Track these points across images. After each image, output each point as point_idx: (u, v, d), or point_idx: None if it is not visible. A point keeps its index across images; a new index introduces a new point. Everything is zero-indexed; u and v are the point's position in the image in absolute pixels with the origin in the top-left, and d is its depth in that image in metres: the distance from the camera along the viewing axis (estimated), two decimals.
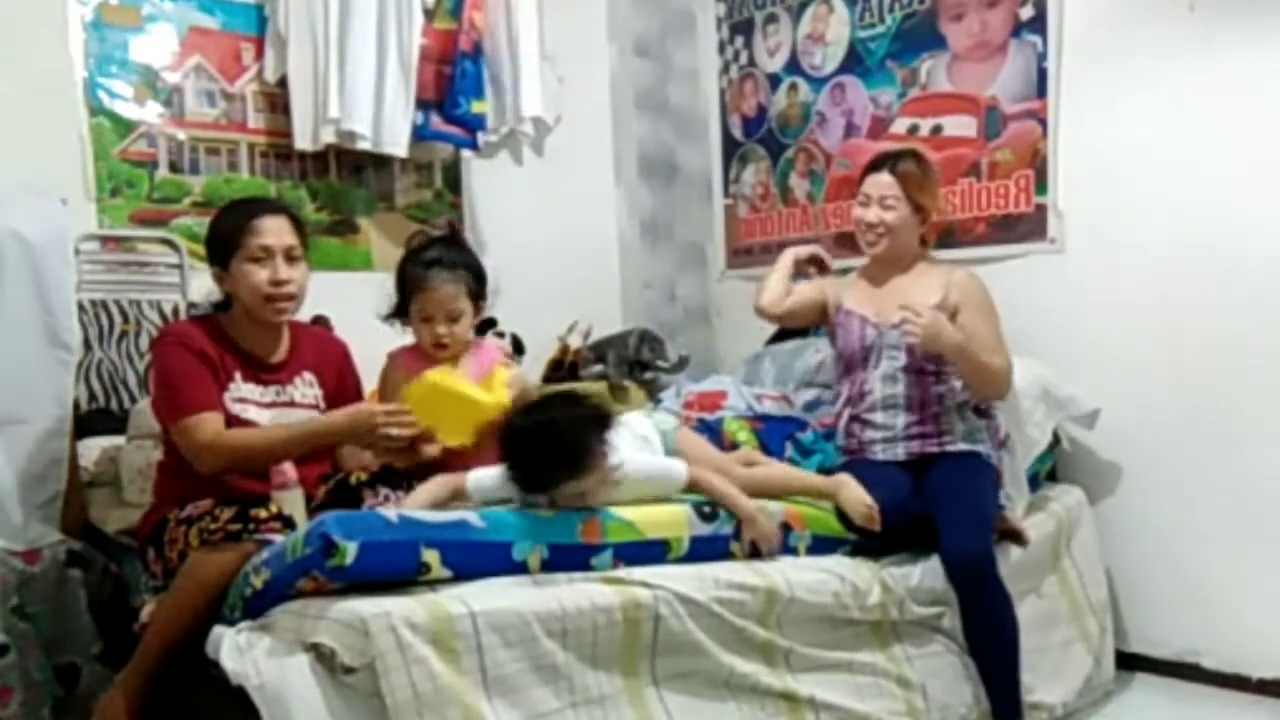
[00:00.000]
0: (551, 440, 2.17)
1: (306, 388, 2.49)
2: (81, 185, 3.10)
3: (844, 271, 3.26)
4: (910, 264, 2.88)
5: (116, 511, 2.74)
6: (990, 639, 2.56)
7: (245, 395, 2.38)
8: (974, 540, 2.55)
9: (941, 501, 2.62)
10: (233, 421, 2.34)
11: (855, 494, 2.55)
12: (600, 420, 2.24)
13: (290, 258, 2.39)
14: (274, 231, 2.38)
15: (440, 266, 2.52)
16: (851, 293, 2.94)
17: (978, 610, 2.55)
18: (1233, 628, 3.06)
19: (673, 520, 2.30)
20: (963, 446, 2.75)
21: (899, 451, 2.77)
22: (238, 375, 2.38)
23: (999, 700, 2.56)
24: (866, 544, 2.57)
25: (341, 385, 2.56)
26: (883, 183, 2.81)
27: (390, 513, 2.08)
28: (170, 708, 2.17)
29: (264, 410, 2.40)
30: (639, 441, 2.45)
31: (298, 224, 2.44)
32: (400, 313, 2.59)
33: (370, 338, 2.82)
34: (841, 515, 2.57)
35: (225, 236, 2.38)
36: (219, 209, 2.54)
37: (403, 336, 2.67)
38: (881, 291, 2.88)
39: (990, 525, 2.66)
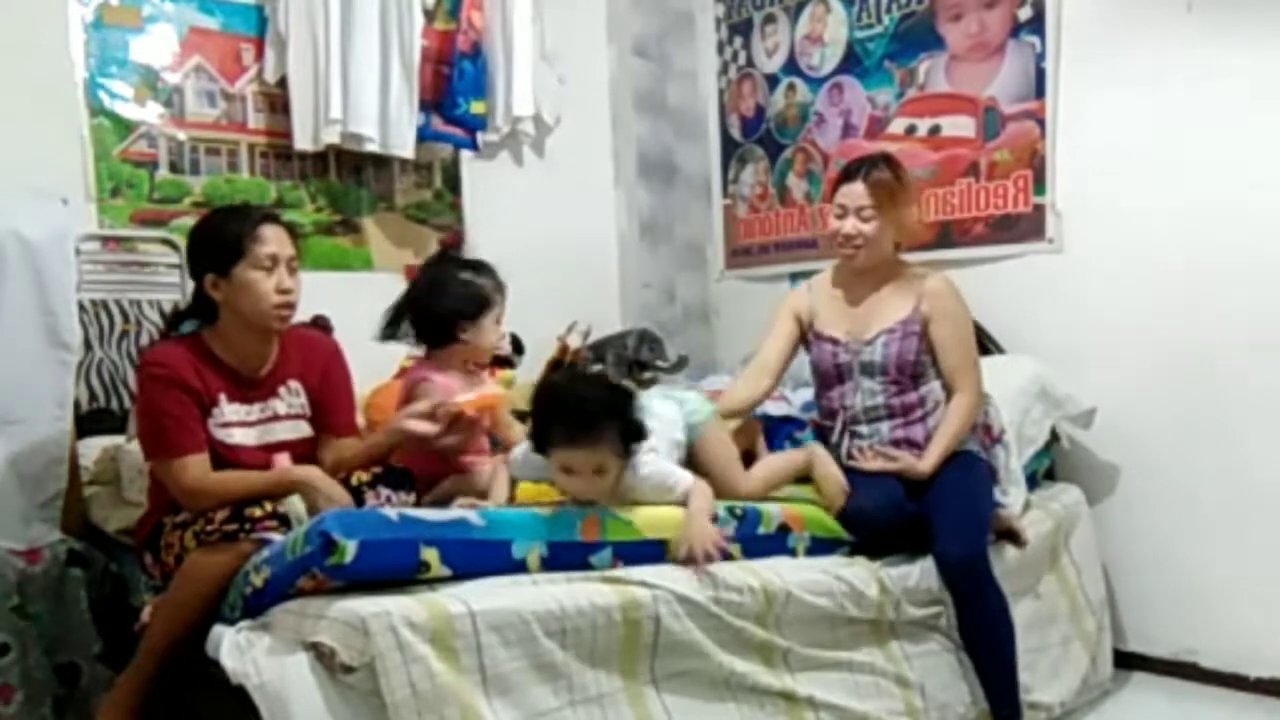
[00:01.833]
0: (563, 399, 2.26)
1: (292, 397, 2.48)
2: (82, 185, 3.10)
3: None
4: (885, 274, 2.81)
5: (117, 511, 2.74)
6: (987, 640, 2.56)
7: (230, 419, 2.36)
8: (968, 543, 2.55)
9: (936, 503, 2.61)
10: (218, 448, 2.33)
11: (828, 470, 2.61)
12: (618, 408, 2.27)
13: (291, 268, 2.37)
14: (279, 241, 2.36)
15: (493, 279, 2.66)
16: (823, 309, 2.87)
17: (973, 612, 2.55)
18: (1230, 627, 3.07)
19: (671, 520, 2.31)
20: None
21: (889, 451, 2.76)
22: (222, 398, 2.36)
23: (997, 701, 2.57)
24: (864, 545, 2.58)
25: (326, 385, 2.52)
26: (857, 193, 2.72)
27: (390, 511, 2.09)
28: (171, 708, 2.18)
29: (250, 429, 2.40)
30: (667, 444, 2.48)
31: (293, 235, 2.43)
32: (443, 332, 2.62)
33: (369, 338, 2.83)
34: (840, 516, 2.58)
35: (228, 243, 2.32)
36: (207, 215, 2.49)
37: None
38: (855, 311, 2.82)
39: (985, 526, 2.66)
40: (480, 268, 2.69)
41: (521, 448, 2.42)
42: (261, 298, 2.32)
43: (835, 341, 2.81)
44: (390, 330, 2.65)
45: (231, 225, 2.36)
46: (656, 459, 2.39)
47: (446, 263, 2.77)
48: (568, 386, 2.34)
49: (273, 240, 2.35)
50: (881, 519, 2.55)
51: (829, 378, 2.84)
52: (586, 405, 2.24)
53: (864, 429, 2.77)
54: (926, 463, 2.66)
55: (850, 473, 2.66)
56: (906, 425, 2.75)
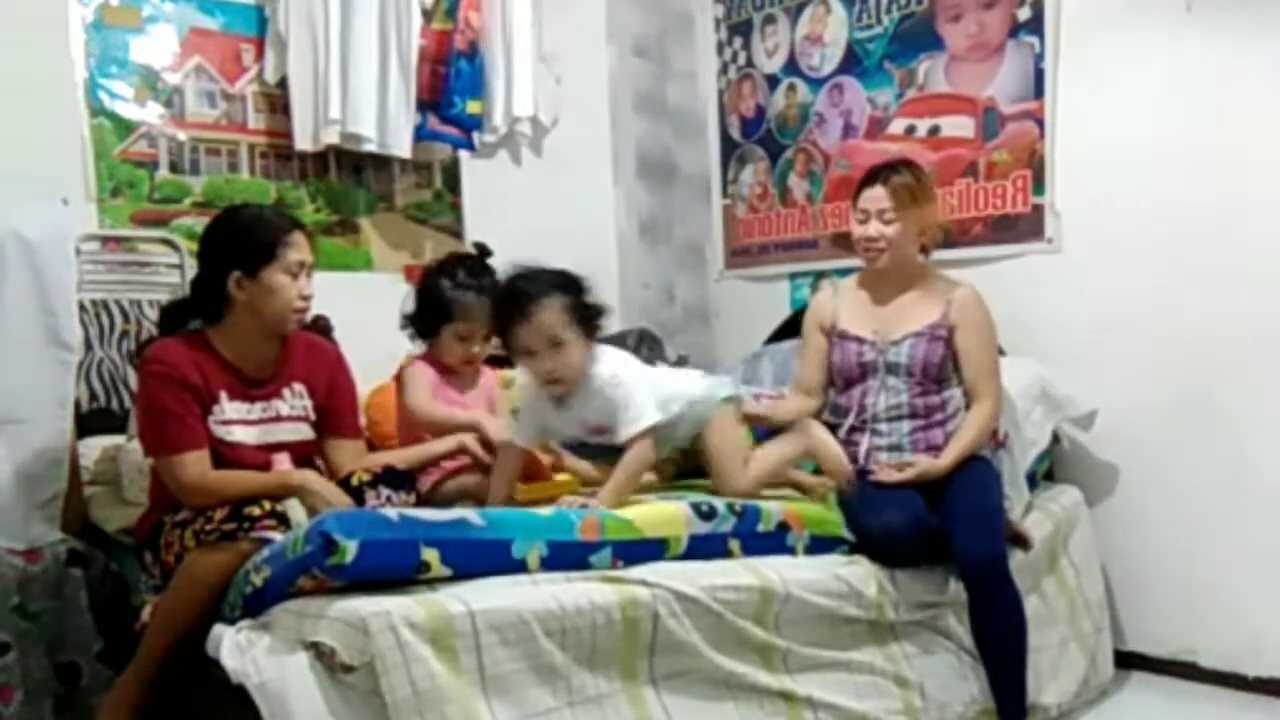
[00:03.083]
0: (506, 284, 2.43)
1: (295, 399, 2.49)
2: (82, 185, 3.10)
3: (844, 272, 3.27)
4: (911, 278, 2.84)
5: (117, 511, 2.74)
6: (1002, 639, 2.56)
7: (230, 416, 2.37)
8: (988, 540, 2.55)
9: (953, 506, 2.61)
10: (218, 446, 2.34)
11: (828, 448, 2.65)
12: (560, 282, 2.41)
13: (309, 274, 2.42)
14: (306, 248, 2.41)
15: (484, 294, 2.67)
16: (848, 310, 2.89)
17: (991, 610, 2.55)
18: (1229, 626, 3.07)
19: (671, 519, 2.31)
20: None
21: (905, 460, 2.75)
22: (224, 396, 2.37)
23: (1005, 701, 2.57)
24: (888, 561, 2.55)
25: (333, 393, 2.55)
26: (878, 197, 2.76)
27: (390, 511, 2.09)
28: (171, 707, 2.18)
29: (251, 428, 2.40)
30: (648, 390, 2.48)
31: (313, 241, 2.47)
32: (427, 326, 2.70)
33: (369, 338, 2.84)
34: (867, 536, 2.57)
35: (262, 244, 2.35)
36: (238, 214, 2.49)
37: (390, 337, 2.74)
38: (882, 311, 2.84)
39: (1001, 526, 2.66)
40: (474, 281, 2.70)
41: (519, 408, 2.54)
42: (288, 303, 2.37)
43: (861, 340, 2.83)
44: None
45: (266, 228, 2.39)
46: (632, 384, 2.45)
47: (452, 261, 2.79)
48: (511, 275, 2.44)
49: (302, 247, 2.40)
50: (912, 537, 2.53)
51: (851, 376, 2.84)
52: (524, 280, 2.40)
53: (884, 427, 2.78)
54: (945, 460, 2.67)
55: (869, 487, 2.65)
56: (927, 428, 2.75)
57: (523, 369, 2.46)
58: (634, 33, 4.25)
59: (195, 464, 2.28)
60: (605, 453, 2.58)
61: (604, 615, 2.06)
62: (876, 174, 2.81)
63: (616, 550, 2.21)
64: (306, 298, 2.40)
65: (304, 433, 2.49)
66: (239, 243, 2.38)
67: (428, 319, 2.70)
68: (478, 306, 2.65)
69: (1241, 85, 2.95)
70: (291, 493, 2.28)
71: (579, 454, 2.82)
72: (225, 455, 2.34)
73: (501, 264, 2.73)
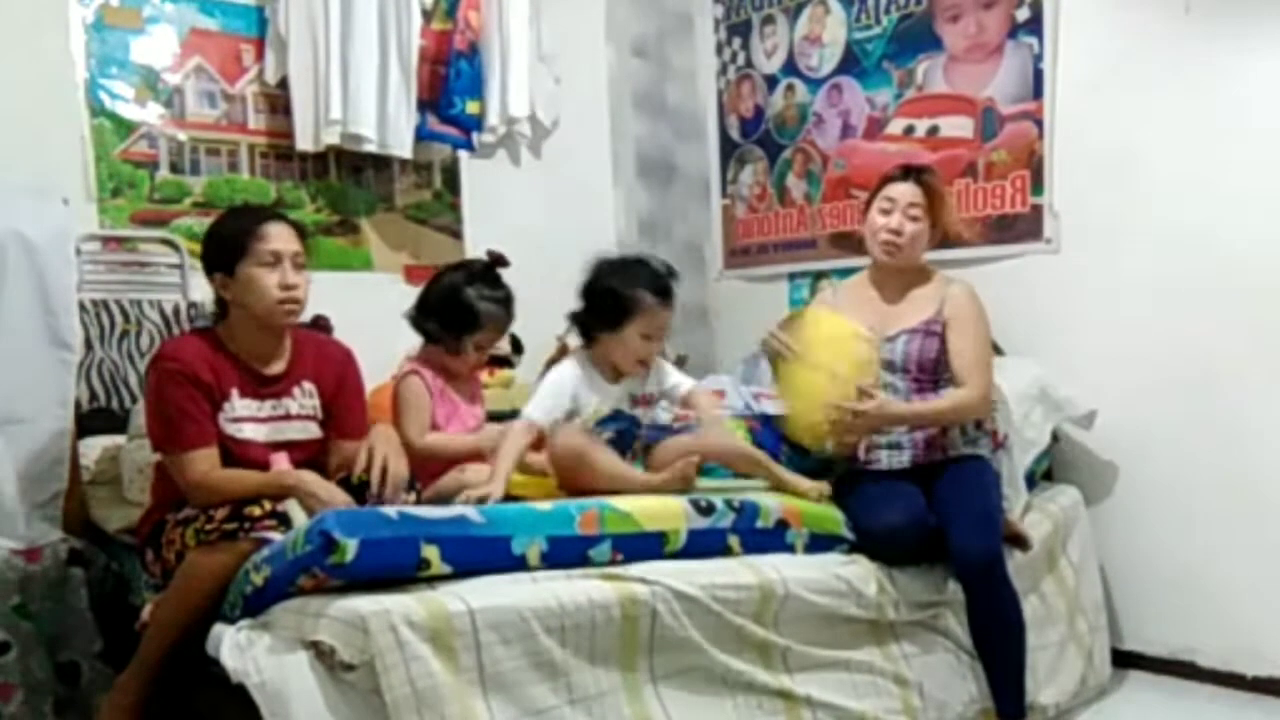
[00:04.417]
0: (649, 262, 2.64)
1: (305, 398, 2.49)
2: (83, 186, 3.11)
3: (843, 272, 3.27)
4: (915, 278, 2.84)
5: (117, 510, 2.75)
6: (999, 638, 2.56)
7: (241, 414, 2.38)
8: (985, 539, 2.55)
9: (951, 503, 2.61)
10: (228, 443, 2.34)
11: (790, 481, 2.66)
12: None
13: (296, 265, 2.40)
14: (283, 237, 2.39)
15: (507, 305, 2.76)
16: (848, 306, 2.89)
17: (987, 609, 2.55)
18: (1228, 626, 3.08)
19: (670, 513, 2.32)
20: (965, 450, 2.75)
21: (904, 458, 2.74)
22: (235, 393, 2.37)
23: (1004, 699, 2.57)
24: (886, 560, 2.56)
25: (340, 391, 2.54)
26: (908, 191, 2.76)
27: (390, 510, 2.09)
28: (171, 706, 2.18)
29: (261, 425, 2.41)
30: None
31: (301, 232, 2.46)
32: (449, 333, 2.71)
33: (369, 338, 2.84)
34: (868, 535, 2.57)
35: (233, 241, 2.36)
36: (219, 215, 2.53)
37: (390, 337, 2.76)
38: (882, 309, 2.84)
39: (998, 525, 2.66)
40: (500, 292, 2.73)
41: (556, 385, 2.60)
42: (265, 293, 2.35)
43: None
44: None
45: (235, 225, 2.41)
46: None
47: (476, 270, 2.79)
48: (643, 254, 2.66)
49: (276, 237, 2.37)
50: (911, 535, 2.54)
51: None
52: (666, 269, 2.63)
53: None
54: (902, 408, 2.66)
55: (865, 484, 2.66)
56: (925, 426, 2.75)
57: (630, 348, 2.60)
58: (633, 33, 4.25)
59: (203, 461, 2.29)
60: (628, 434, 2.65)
61: (603, 613, 2.07)
62: (907, 172, 2.82)
63: (616, 543, 2.22)
64: (289, 287, 2.37)
65: (312, 432, 2.50)
66: (216, 244, 2.41)
67: (452, 326, 2.69)
68: (504, 318, 2.70)
69: (1240, 86, 2.95)
70: (287, 493, 2.29)
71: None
72: (235, 453, 2.35)
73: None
